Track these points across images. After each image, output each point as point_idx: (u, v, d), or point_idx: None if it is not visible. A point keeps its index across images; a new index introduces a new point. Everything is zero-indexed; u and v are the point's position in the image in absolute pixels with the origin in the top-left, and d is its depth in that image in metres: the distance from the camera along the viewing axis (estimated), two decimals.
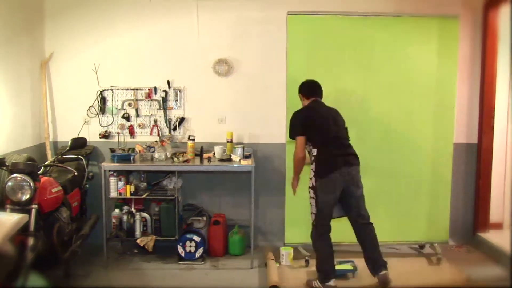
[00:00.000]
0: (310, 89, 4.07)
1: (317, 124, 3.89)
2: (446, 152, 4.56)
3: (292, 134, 3.98)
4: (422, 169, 4.58)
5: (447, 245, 4.71)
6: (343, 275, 4.07)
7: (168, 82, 4.87)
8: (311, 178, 3.85)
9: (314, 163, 3.86)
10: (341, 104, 4.29)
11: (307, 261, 4.39)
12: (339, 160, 3.80)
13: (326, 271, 3.86)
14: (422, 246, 4.77)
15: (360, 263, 4.03)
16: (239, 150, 4.55)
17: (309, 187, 3.87)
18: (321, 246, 3.88)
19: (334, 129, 3.89)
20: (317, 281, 3.87)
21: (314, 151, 3.86)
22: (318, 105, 4.03)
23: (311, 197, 3.86)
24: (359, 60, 4.48)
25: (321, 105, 4.04)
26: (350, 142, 3.98)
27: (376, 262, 3.84)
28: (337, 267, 4.00)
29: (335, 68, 4.47)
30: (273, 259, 4.39)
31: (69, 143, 4.14)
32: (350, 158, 3.86)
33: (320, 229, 3.86)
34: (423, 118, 4.54)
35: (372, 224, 3.90)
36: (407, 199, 4.58)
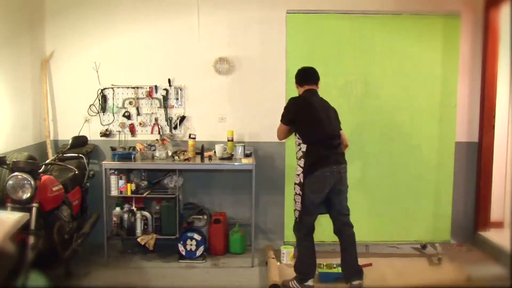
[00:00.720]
0: (304, 76, 3.90)
1: (310, 120, 3.75)
2: (448, 151, 4.55)
3: (281, 118, 3.87)
4: (424, 168, 4.57)
5: (448, 244, 4.71)
6: (334, 279, 4.01)
7: (169, 81, 4.87)
8: (298, 175, 3.76)
9: (302, 159, 3.75)
10: (341, 103, 4.29)
11: None
12: (329, 159, 3.71)
13: (306, 271, 3.82)
14: (424, 246, 4.75)
15: None
16: (239, 149, 4.55)
17: (295, 183, 3.78)
18: (304, 247, 3.83)
19: (328, 128, 3.77)
20: (295, 281, 3.83)
21: (304, 147, 3.75)
22: (312, 96, 3.85)
23: (296, 194, 3.78)
24: (359, 59, 4.47)
25: (316, 96, 3.87)
26: (339, 141, 3.87)
27: (351, 269, 3.81)
28: (327, 270, 3.98)
29: (334, 66, 4.46)
30: (273, 258, 4.39)
31: (70, 141, 4.13)
32: (339, 157, 3.79)
33: (305, 228, 3.80)
34: (425, 117, 4.53)
35: (353, 227, 3.84)
36: (409, 198, 4.57)
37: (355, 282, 3.73)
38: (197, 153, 4.61)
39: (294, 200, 3.81)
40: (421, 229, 4.61)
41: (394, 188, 4.56)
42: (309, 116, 3.76)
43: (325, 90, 4.33)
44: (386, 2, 4.73)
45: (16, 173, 3.40)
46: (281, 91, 4.56)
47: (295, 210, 3.82)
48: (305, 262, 3.83)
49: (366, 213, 4.55)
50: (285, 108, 3.88)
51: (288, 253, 4.43)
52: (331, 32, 4.45)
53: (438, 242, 4.59)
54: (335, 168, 3.70)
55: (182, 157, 4.46)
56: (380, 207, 4.56)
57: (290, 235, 4.56)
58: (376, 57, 4.48)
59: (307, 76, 3.90)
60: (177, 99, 4.90)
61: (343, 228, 3.83)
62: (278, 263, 4.34)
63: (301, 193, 3.74)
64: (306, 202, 3.72)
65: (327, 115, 3.81)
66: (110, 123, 4.93)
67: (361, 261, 3.90)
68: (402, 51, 4.47)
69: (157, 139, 4.73)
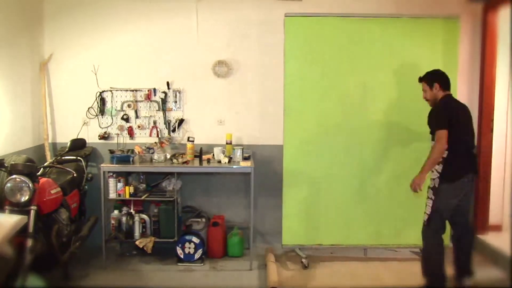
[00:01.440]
0: (447, 81, 3.81)
1: (461, 123, 3.68)
2: None
3: (438, 125, 3.65)
4: None
5: (447, 248, 4.69)
6: None
7: (168, 84, 4.87)
8: (433, 179, 3.70)
9: (441, 164, 3.67)
10: (339, 107, 4.30)
11: (303, 263, 4.38)
12: (469, 165, 3.70)
13: (436, 275, 3.74)
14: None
15: None
16: (238, 152, 4.54)
17: (429, 187, 3.74)
18: (430, 249, 3.77)
19: (471, 133, 3.78)
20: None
21: (445, 152, 3.66)
22: (456, 102, 3.82)
23: (428, 197, 3.73)
24: (358, 61, 4.47)
25: (458, 101, 3.83)
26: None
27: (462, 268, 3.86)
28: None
29: (333, 69, 4.46)
30: (273, 261, 4.38)
31: (68, 144, 4.15)
32: (476, 166, 3.80)
33: (434, 233, 3.75)
34: (424, 120, 4.52)
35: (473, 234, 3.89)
36: (408, 202, 4.56)
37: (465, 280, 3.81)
38: (195, 156, 4.61)
39: (426, 204, 3.77)
40: (420, 233, 4.59)
41: (393, 191, 4.55)
42: (461, 118, 3.71)
43: (323, 93, 4.36)
44: (385, 5, 4.74)
45: (14, 176, 3.40)
46: (280, 94, 4.56)
47: (425, 213, 3.76)
48: (436, 266, 3.75)
49: (365, 217, 4.55)
50: (439, 112, 3.73)
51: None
52: (330, 35, 4.46)
53: None
54: (471, 176, 3.70)
55: (180, 160, 4.46)
56: (379, 211, 4.56)
57: (287, 239, 4.56)
58: (374, 59, 4.48)
59: (449, 82, 3.83)
60: (176, 102, 4.90)
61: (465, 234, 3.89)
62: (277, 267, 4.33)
63: (433, 198, 3.70)
64: (437, 207, 3.68)
65: (470, 119, 3.80)
66: (108, 126, 4.93)
67: (359, 265, 3.88)
68: (400, 54, 4.47)
69: (155, 142, 4.73)
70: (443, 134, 3.58)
